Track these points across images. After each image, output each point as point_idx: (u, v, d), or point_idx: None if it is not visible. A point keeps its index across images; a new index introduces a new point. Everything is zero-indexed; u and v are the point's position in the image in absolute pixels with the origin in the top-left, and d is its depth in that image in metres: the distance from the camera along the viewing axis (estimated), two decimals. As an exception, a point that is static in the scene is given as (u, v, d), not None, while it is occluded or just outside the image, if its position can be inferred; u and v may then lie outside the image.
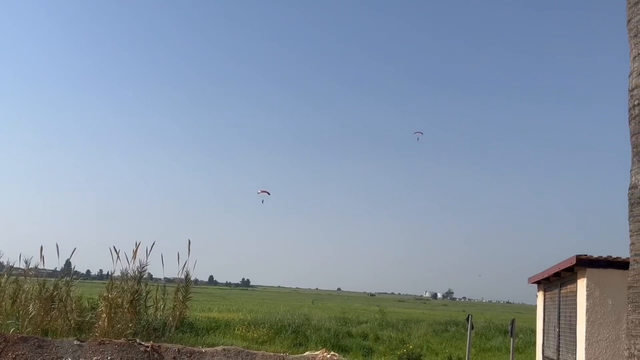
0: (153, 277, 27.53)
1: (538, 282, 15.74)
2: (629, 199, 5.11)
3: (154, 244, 19.00)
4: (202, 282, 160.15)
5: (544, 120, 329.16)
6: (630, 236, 5.01)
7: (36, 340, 12.76)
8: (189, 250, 19.74)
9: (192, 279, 20.67)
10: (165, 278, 23.45)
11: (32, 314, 17.20)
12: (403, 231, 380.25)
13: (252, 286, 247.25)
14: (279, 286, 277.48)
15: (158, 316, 19.38)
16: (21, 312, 17.40)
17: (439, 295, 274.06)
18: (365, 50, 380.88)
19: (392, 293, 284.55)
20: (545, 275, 14.00)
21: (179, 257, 19.83)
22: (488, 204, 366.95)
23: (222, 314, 29.86)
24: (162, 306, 19.73)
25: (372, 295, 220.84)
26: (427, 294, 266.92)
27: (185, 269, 19.97)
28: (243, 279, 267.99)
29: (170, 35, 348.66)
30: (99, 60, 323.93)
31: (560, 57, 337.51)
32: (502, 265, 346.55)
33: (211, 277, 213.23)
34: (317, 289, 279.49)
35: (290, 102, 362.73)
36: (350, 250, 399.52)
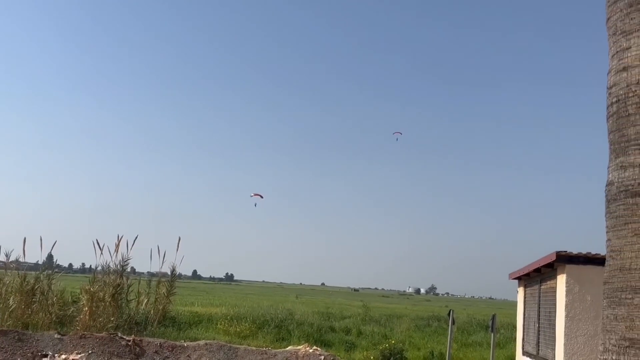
0: (136, 271, 27.46)
1: (519, 278, 15.87)
2: (606, 195, 5.17)
3: (136, 237, 18.99)
4: (186, 277, 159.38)
5: (528, 116, 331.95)
6: (607, 232, 5.06)
7: (16, 333, 12.62)
8: (178, 247, 19.77)
9: (176, 273, 20.67)
10: (148, 272, 23.38)
11: (13, 307, 17.02)
12: (387, 228, 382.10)
13: (236, 281, 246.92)
14: (263, 281, 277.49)
15: (140, 310, 19.31)
16: (1, 305, 17.20)
17: (422, 290, 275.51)
18: (365, 45, 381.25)
19: (376, 288, 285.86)
20: (526, 272, 14.11)
21: (159, 251, 19.82)
22: (471, 201, 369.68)
23: (205, 309, 29.77)
24: (144, 300, 19.67)
25: (356, 290, 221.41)
26: (411, 290, 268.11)
27: (171, 263, 20.01)
28: (227, 273, 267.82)
29: (172, 35, 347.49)
30: (97, 59, 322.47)
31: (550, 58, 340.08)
32: (485, 262, 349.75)
33: (195, 272, 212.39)
34: (301, 284, 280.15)
35: (281, 98, 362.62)
36: (335, 245, 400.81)
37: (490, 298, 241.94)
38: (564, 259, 11.39)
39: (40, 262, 19.55)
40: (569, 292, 11.27)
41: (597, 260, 10.92)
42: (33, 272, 18.87)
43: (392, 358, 18.28)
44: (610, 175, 5.13)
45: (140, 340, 12.87)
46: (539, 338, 13.30)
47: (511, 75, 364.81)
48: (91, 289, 17.72)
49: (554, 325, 11.84)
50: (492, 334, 15.97)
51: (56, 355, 11.94)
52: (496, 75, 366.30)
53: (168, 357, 12.50)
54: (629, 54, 5.13)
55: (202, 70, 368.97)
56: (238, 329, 21.80)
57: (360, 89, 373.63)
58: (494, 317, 15.86)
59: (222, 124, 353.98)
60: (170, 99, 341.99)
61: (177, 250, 19.86)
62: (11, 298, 17.28)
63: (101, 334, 13.15)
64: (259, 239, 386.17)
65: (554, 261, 11.54)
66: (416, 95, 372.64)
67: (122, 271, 18.80)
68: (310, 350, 13.68)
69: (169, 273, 20.43)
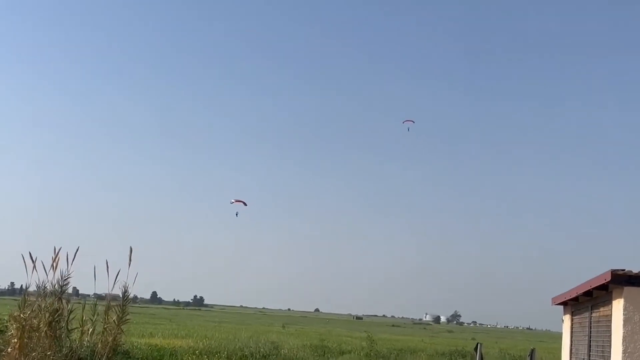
0: (80, 292, 27.42)
1: (564, 304, 15.92)
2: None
3: (77, 249, 18.74)
4: (143, 300, 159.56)
5: (568, 119, 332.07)
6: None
7: None
8: (130, 260, 19.51)
9: (130, 295, 20.56)
10: (95, 294, 23.31)
11: None
12: (400, 241, 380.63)
13: (207, 305, 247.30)
14: (241, 306, 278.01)
15: (85, 342, 19.24)
16: None
17: (443, 319, 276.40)
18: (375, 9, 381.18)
19: (384, 316, 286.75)
20: (574, 295, 14.14)
21: (107, 267, 19.51)
22: (506, 207, 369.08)
23: (168, 340, 29.80)
24: (90, 330, 19.58)
25: (358, 318, 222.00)
26: (428, 318, 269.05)
27: (123, 283, 19.81)
28: (195, 296, 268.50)
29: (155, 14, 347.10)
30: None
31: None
32: (522, 283, 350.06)
33: (154, 294, 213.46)
34: (289, 309, 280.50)
35: (273, 92, 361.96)
36: (333, 262, 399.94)
37: (528, 328, 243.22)
38: (621, 280, 11.40)
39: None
40: (627, 320, 11.29)
41: (662, 282, 10.95)
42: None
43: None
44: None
45: (84, 381, 12.87)
46: (589, 379, 13.35)
47: (555, 41, 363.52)
48: (21, 316, 17.65)
49: (609, 362, 11.88)
50: (531, 374, 16.04)
51: (-23, 399, 11.93)
52: (520, 74, 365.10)
53: (119, 402, 12.50)
54: None
55: (160, 39, 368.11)
56: (209, 367, 21.81)
57: (366, 65, 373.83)
58: (532, 351, 15.94)
59: (193, 107, 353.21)
60: (121, 72, 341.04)
61: (129, 265, 19.56)
62: None
63: (34, 373, 13.14)
64: (236, 254, 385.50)
65: (608, 282, 11.56)
66: (439, 73, 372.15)
67: (62, 293, 18.69)
68: (300, 394, 13.70)
69: (121, 295, 20.33)
